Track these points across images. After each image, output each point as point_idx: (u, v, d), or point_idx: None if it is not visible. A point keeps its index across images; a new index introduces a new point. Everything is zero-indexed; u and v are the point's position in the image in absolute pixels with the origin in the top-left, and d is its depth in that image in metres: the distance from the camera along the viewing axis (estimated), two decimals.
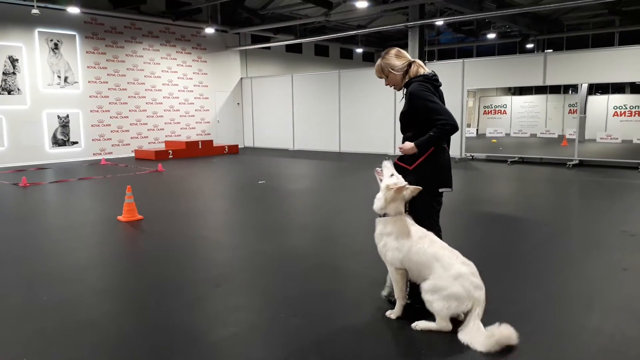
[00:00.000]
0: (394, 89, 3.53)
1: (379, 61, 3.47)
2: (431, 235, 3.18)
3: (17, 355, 2.92)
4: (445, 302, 2.99)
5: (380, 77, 3.51)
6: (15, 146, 13.52)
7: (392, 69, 3.40)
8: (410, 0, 14.59)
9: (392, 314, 3.29)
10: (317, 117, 17.14)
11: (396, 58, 3.39)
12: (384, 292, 3.57)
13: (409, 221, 3.22)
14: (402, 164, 3.42)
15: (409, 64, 3.38)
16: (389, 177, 3.19)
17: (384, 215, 3.20)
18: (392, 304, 3.41)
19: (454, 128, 3.23)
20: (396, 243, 3.15)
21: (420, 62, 3.40)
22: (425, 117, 3.27)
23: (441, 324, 3.03)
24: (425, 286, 3.07)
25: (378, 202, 3.21)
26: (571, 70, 12.22)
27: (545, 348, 2.87)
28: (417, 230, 3.18)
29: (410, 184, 3.21)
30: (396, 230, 3.15)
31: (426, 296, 3.06)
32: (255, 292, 3.95)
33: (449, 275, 3.00)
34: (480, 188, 9.14)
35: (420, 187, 3.20)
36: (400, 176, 3.20)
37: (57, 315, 3.48)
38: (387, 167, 3.26)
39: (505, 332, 2.81)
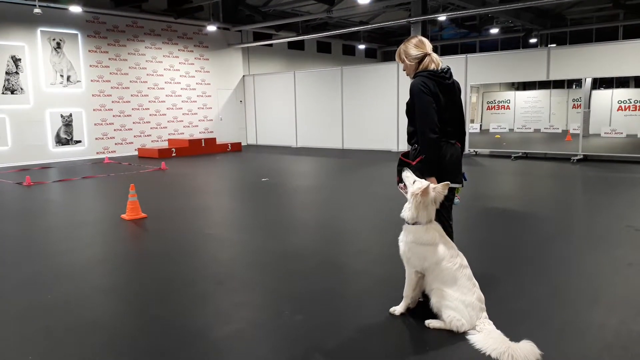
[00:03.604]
0: (407, 76, 3.51)
1: (401, 45, 3.47)
2: (462, 257, 3.15)
3: (22, 354, 2.92)
4: (454, 313, 3.02)
5: (399, 62, 3.50)
6: (19, 145, 13.55)
7: (407, 57, 3.39)
8: None
9: (396, 310, 3.28)
10: (319, 114, 17.12)
11: (414, 47, 3.37)
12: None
13: (441, 231, 3.17)
14: (406, 160, 3.41)
15: (424, 56, 3.35)
16: (412, 185, 3.11)
17: (415, 223, 3.13)
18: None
19: (424, 140, 3.20)
20: (424, 252, 3.10)
21: (435, 57, 3.35)
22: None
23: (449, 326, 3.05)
24: (436, 293, 3.09)
25: (408, 212, 3.10)
26: (575, 65, 12.16)
27: (549, 344, 2.85)
28: (448, 246, 3.14)
29: None
30: (426, 241, 3.10)
31: (436, 305, 3.09)
32: (259, 289, 3.94)
33: (462, 300, 3.02)
34: (484, 184, 9.10)
35: (449, 182, 3.13)
36: (423, 180, 3.11)
37: (62, 313, 3.48)
38: (408, 176, 3.16)
39: (518, 349, 2.71)
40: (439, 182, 3.22)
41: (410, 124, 3.42)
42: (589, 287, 3.79)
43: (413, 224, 3.13)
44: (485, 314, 3.07)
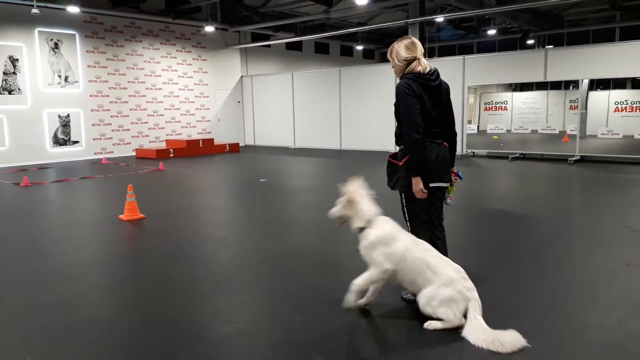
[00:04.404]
0: (395, 74, 3.53)
1: (394, 43, 3.48)
2: (423, 243, 3.20)
3: (21, 354, 2.92)
4: (446, 308, 3.02)
5: (390, 59, 3.51)
6: (16, 146, 13.52)
7: (397, 57, 3.41)
8: None
9: (346, 302, 3.27)
10: (317, 114, 17.12)
11: (405, 49, 3.38)
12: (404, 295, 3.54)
13: (392, 222, 3.22)
14: (394, 161, 3.47)
15: (413, 59, 3.37)
16: (338, 208, 3.33)
17: (362, 230, 3.21)
18: (405, 301, 3.46)
19: (408, 141, 3.25)
20: (384, 250, 3.13)
21: (423, 61, 3.37)
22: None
23: (451, 324, 3.04)
24: (421, 300, 3.08)
25: (352, 226, 3.26)
26: (572, 66, 12.20)
27: (547, 344, 2.86)
28: (407, 235, 3.19)
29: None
30: (380, 238, 3.14)
31: (427, 309, 3.07)
32: (258, 289, 3.95)
33: (441, 283, 3.04)
34: (481, 184, 9.11)
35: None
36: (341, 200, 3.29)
37: (60, 313, 3.48)
38: (334, 211, 3.36)
39: (505, 336, 2.81)
40: (424, 182, 3.27)
41: (398, 125, 3.46)
42: (587, 287, 3.80)
43: (362, 231, 3.20)
44: (475, 294, 3.06)
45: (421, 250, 3.12)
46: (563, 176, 9.81)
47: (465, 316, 3.02)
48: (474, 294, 3.05)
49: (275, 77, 18.59)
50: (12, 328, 3.28)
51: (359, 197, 3.22)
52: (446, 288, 3.01)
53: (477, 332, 2.90)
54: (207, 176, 11.20)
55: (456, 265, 3.13)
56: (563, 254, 4.70)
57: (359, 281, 3.20)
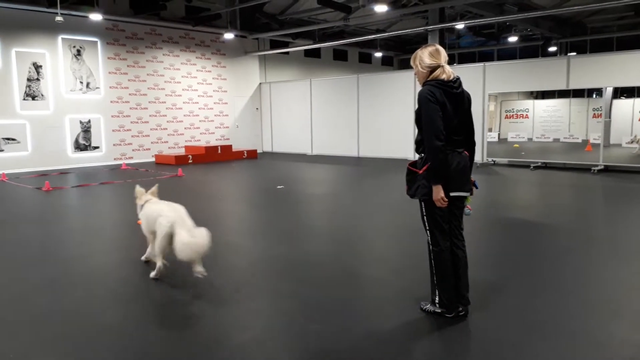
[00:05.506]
0: (418, 81, 3.50)
1: (418, 50, 3.46)
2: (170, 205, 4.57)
3: (39, 358, 2.94)
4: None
5: (413, 66, 3.49)
6: (38, 151, 13.75)
7: (420, 64, 3.39)
8: (430, 3, 14.50)
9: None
10: (335, 121, 17.12)
11: (429, 56, 3.36)
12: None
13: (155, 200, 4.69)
14: (414, 169, 3.42)
15: (437, 67, 3.34)
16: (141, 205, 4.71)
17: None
18: (424, 311, 3.43)
19: (429, 148, 3.22)
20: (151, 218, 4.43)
21: (447, 68, 3.34)
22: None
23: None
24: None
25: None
26: (595, 74, 11.99)
27: (569, 356, 2.80)
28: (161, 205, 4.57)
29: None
30: (144, 213, 4.58)
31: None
32: (275, 296, 3.93)
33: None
34: (502, 193, 8.99)
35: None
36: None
37: (78, 319, 3.50)
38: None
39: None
40: (445, 191, 3.22)
41: (419, 132, 3.43)
42: (610, 301, 3.72)
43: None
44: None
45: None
46: (586, 186, 9.62)
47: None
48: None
49: (293, 84, 18.66)
50: (31, 332, 3.31)
51: (140, 195, 4.85)
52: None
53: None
54: (225, 182, 11.24)
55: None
56: (585, 265, 4.61)
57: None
